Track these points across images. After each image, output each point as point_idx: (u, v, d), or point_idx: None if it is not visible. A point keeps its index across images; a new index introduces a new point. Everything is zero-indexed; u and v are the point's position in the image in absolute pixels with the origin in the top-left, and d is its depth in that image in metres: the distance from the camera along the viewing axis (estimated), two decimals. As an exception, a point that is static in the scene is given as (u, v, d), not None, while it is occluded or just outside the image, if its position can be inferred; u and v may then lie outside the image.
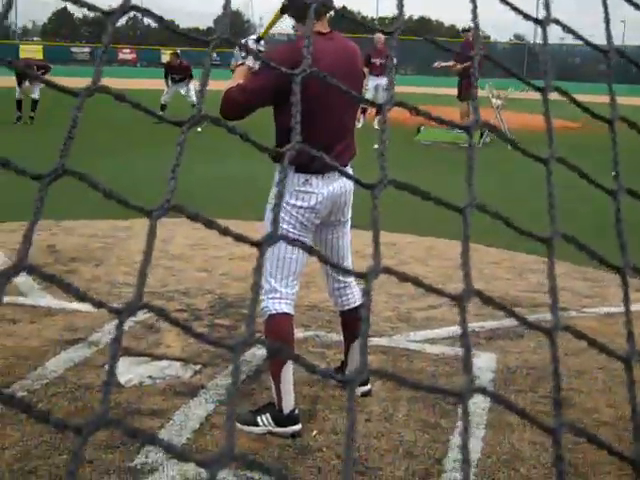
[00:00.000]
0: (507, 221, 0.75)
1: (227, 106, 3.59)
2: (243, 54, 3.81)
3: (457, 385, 4.19)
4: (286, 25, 3.97)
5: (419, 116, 0.79)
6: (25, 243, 0.61)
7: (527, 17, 0.88)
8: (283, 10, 3.78)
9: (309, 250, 0.69)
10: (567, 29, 0.88)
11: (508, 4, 0.84)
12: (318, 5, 0.85)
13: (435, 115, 0.81)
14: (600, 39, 1.01)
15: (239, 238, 0.67)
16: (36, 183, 0.66)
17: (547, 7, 0.88)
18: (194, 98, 19.15)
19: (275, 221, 0.68)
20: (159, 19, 0.71)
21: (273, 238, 0.67)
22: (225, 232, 0.67)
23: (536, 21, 0.87)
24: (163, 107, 18.79)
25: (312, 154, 0.73)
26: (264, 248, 0.66)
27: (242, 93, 3.58)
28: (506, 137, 0.82)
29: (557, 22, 0.88)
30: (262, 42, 3.87)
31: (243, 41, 3.83)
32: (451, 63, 18.00)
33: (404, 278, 0.66)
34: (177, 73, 19.40)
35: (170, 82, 19.47)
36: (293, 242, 0.69)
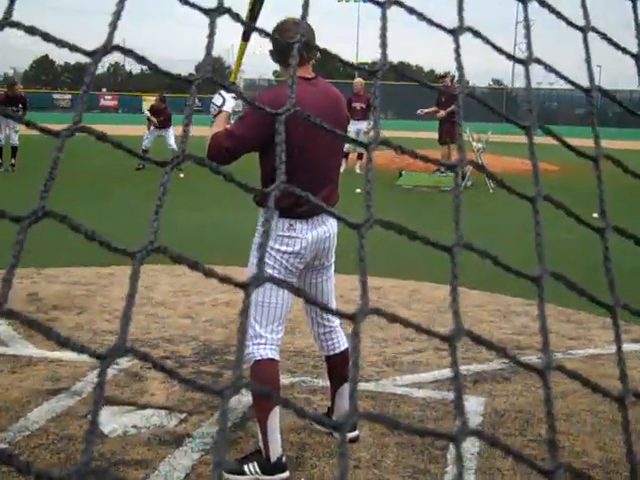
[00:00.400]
0: (495, 260, 0.75)
1: (214, 151, 3.58)
2: (219, 102, 3.82)
3: (446, 429, 4.15)
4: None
5: (404, 155, 0.79)
6: (4, 287, 0.59)
7: (510, 57, 0.88)
8: (245, 37, 3.81)
9: (296, 292, 0.68)
10: (549, 68, 0.88)
11: (491, 44, 0.84)
12: (302, 46, 0.85)
13: (420, 154, 0.81)
14: (580, 82, 1.01)
15: (224, 280, 0.65)
16: (15, 227, 0.65)
17: (529, 47, 0.89)
18: (174, 146, 19.09)
19: (260, 261, 0.66)
20: (141, 59, 0.70)
21: (259, 279, 0.65)
22: (210, 274, 0.65)
23: (519, 61, 0.88)
24: (145, 152, 18.77)
25: (296, 197, 0.72)
26: (250, 290, 0.65)
27: (229, 138, 3.58)
28: (493, 176, 0.82)
29: (539, 61, 0.89)
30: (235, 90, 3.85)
31: (216, 96, 3.84)
32: (434, 109, 18.25)
33: (393, 319, 0.65)
34: (158, 116, 19.44)
35: (151, 127, 19.52)
36: (281, 284, 0.67)
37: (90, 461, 0.50)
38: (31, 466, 0.50)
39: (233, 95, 3.79)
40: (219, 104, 3.79)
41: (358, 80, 19.34)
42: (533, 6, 0.92)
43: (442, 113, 17.56)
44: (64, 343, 0.59)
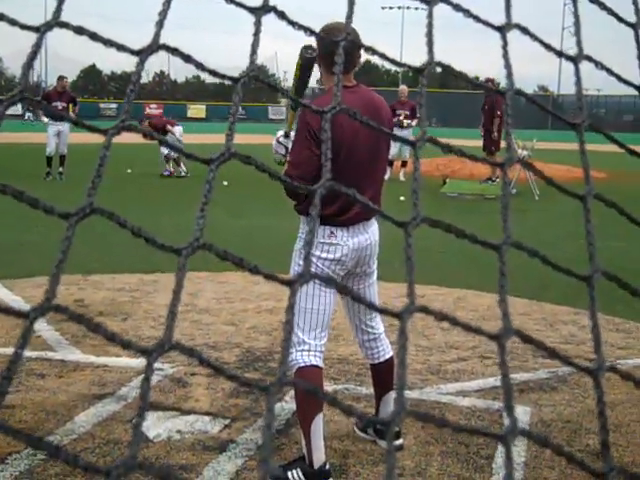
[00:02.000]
0: (544, 258, 0.73)
1: (289, 188, 3.58)
2: (283, 152, 3.85)
3: (490, 442, 4.10)
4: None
5: (451, 153, 0.78)
6: (53, 282, 0.59)
7: (559, 54, 0.87)
8: (294, 107, 3.83)
9: (343, 288, 0.67)
10: (600, 65, 0.87)
11: (539, 40, 0.83)
12: (347, 47, 0.84)
13: (469, 154, 0.80)
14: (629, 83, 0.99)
15: (269, 277, 0.65)
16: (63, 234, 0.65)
17: (578, 43, 0.87)
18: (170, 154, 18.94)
19: (306, 259, 0.66)
20: (187, 57, 0.70)
21: (305, 277, 0.65)
22: (255, 271, 0.65)
23: (568, 58, 0.86)
24: (167, 160, 19.09)
25: (337, 205, 0.71)
26: (296, 287, 0.64)
27: (292, 168, 3.58)
28: (543, 175, 0.80)
29: (589, 58, 0.87)
30: (291, 135, 3.86)
31: (274, 142, 3.87)
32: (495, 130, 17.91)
33: (442, 317, 0.64)
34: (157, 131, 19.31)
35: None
36: (327, 281, 0.67)
37: (137, 454, 0.50)
38: (78, 459, 0.50)
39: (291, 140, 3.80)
40: (283, 153, 3.84)
41: (403, 87, 19.29)
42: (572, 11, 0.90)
43: (495, 135, 17.46)
44: (110, 338, 0.60)
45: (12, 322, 5.89)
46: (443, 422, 0.61)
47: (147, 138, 0.69)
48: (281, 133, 3.89)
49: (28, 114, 55.15)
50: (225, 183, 15.58)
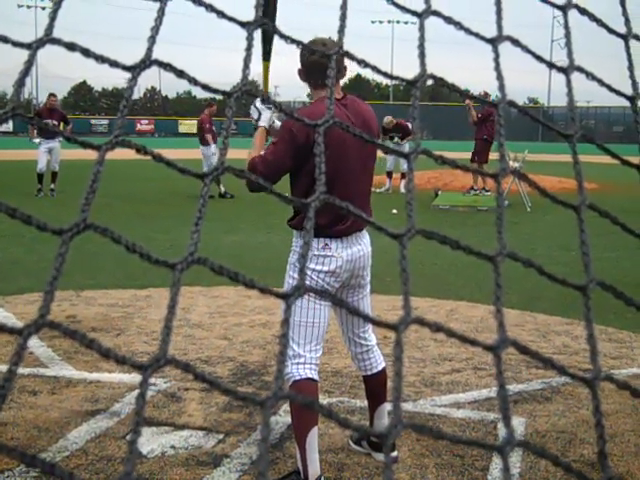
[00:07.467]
0: (540, 269, 0.73)
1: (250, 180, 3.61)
2: (256, 116, 3.89)
3: (485, 453, 4.09)
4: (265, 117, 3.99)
5: (445, 165, 0.78)
6: (46, 299, 0.59)
7: (550, 65, 0.87)
8: (266, 57, 3.95)
9: (339, 302, 0.67)
10: (591, 76, 0.87)
11: (531, 52, 0.83)
12: (335, 60, 0.84)
13: (461, 164, 0.80)
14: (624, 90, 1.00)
15: (265, 290, 0.65)
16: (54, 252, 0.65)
17: (569, 55, 0.88)
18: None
19: (302, 272, 0.66)
20: (180, 72, 0.70)
21: (300, 289, 0.65)
22: (250, 285, 0.65)
23: (559, 69, 0.87)
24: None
25: (331, 216, 0.71)
26: (291, 300, 0.64)
27: (262, 163, 3.60)
28: (537, 185, 0.80)
29: (580, 69, 0.87)
30: (269, 101, 3.96)
31: (251, 108, 3.94)
32: (474, 113, 18.20)
33: (437, 329, 0.64)
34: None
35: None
36: (322, 294, 0.67)
37: (132, 471, 0.50)
38: (74, 476, 0.50)
39: (268, 106, 3.88)
40: (256, 117, 3.87)
41: (388, 118, 19.29)
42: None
43: (471, 105, 17.95)
44: (105, 354, 0.59)
45: (3, 339, 5.86)
46: (439, 434, 0.61)
47: (141, 153, 0.68)
48: (259, 99, 3.94)
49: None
50: (220, 192, 15.64)
